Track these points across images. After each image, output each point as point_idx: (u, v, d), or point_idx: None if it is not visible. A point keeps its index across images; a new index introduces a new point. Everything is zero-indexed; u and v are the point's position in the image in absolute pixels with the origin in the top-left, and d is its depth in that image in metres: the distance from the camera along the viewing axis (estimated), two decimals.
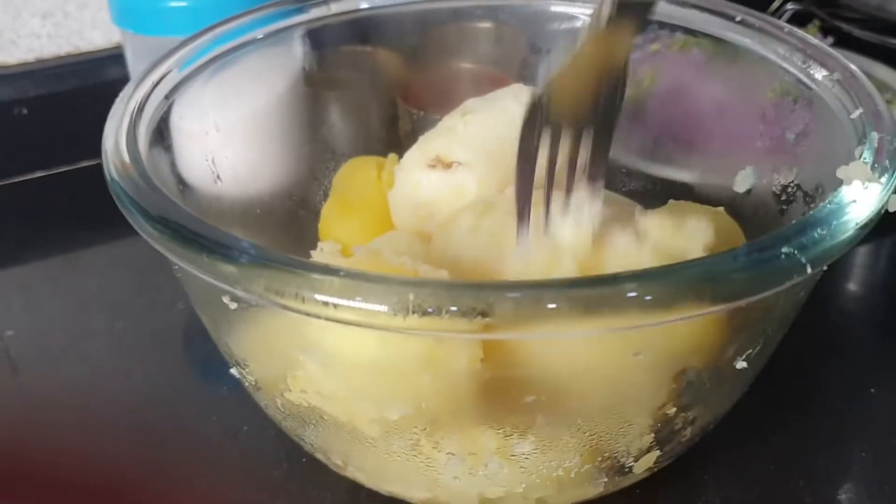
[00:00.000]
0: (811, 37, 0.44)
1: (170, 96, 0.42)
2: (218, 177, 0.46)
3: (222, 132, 0.47)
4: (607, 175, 0.37)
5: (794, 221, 0.31)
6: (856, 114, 0.38)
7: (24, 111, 0.70)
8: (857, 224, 0.31)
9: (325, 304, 0.27)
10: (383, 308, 0.27)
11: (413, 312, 0.26)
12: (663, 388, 0.34)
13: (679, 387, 0.34)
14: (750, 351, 0.34)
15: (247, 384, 0.38)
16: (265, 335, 0.34)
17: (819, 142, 0.41)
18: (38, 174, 0.68)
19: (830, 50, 0.43)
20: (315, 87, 0.53)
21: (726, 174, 0.48)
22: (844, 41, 0.78)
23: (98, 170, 0.34)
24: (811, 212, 0.31)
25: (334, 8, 0.50)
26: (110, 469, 0.44)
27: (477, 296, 0.26)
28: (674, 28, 0.49)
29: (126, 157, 0.34)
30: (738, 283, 0.28)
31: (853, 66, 0.41)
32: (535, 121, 0.34)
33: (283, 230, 0.51)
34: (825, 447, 0.45)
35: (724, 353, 0.34)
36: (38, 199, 0.66)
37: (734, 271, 0.28)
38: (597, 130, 0.35)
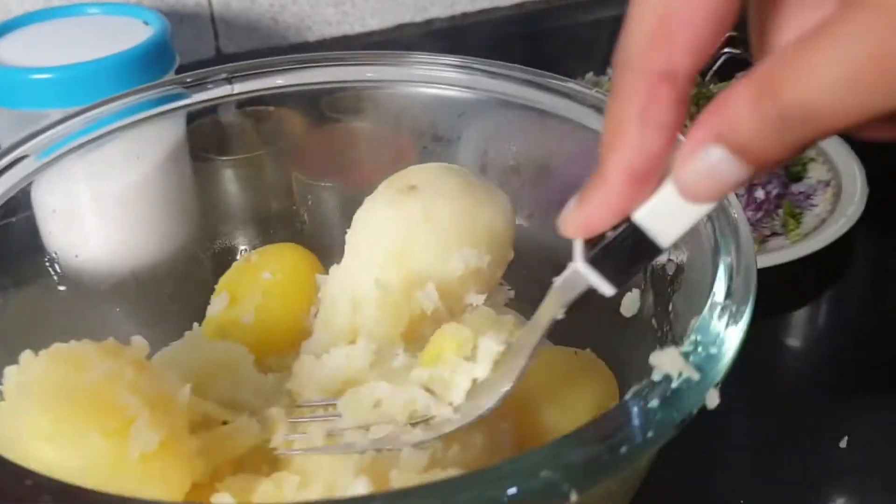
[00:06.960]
0: None
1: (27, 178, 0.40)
2: (76, 255, 0.44)
3: (90, 211, 0.45)
4: None
5: (560, 437, 0.26)
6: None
7: None
8: (649, 440, 0.26)
9: None
10: None
11: None
12: None
13: None
14: None
15: None
16: None
17: (689, 284, 0.36)
18: None
19: None
20: (201, 154, 0.49)
21: None
22: None
23: None
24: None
25: (237, 88, 0.46)
26: None
27: None
28: None
29: None
30: None
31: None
32: None
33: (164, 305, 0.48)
34: None
35: None
36: None
37: None
38: None
